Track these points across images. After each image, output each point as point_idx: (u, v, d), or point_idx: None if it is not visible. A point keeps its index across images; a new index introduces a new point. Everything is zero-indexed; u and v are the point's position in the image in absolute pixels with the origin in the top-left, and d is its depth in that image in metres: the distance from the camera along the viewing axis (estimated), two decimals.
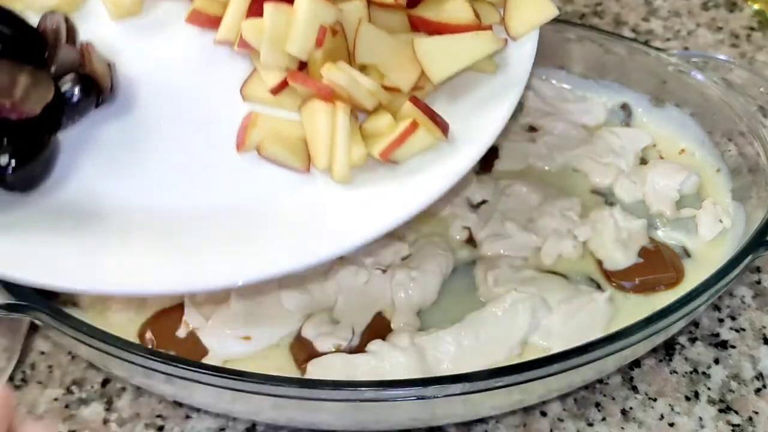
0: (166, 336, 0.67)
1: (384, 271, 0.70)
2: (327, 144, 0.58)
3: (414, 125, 0.59)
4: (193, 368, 0.58)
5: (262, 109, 0.62)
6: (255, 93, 0.62)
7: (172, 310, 0.69)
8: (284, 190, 0.60)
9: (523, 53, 0.65)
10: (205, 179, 0.61)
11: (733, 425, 0.67)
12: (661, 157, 0.82)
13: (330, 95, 0.58)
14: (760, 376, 0.70)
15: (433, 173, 0.59)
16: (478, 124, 0.61)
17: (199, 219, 0.59)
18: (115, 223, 0.58)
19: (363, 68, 0.60)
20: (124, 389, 0.69)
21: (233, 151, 0.61)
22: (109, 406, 0.68)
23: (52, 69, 0.59)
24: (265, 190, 0.60)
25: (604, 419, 0.68)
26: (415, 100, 0.60)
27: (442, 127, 0.60)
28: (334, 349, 0.66)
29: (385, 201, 0.58)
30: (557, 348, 0.66)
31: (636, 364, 0.71)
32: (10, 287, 0.62)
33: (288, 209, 0.59)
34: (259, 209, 0.59)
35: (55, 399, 0.69)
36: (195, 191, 0.60)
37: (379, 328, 0.67)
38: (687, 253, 0.74)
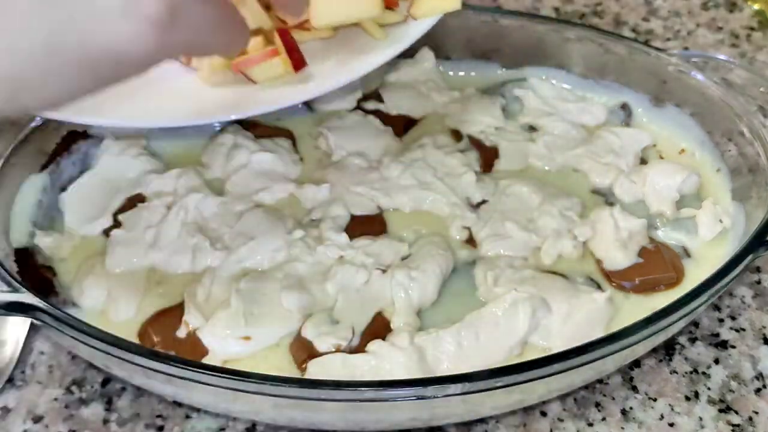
0: (166, 336, 0.67)
1: (384, 271, 0.70)
2: None
3: (273, 52, 0.68)
4: (193, 368, 0.58)
5: None
6: None
7: (172, 310, 0.69)
8: (173, 75, 0.69)
9: (415, 29, 0.71)
10: None
11: (733, 425, 0.67)
12: (661, 157, 0.83)
13: None
14: (760, 376, 0.70)
15: (273, 94, 0.67)
16: (335, 71, 0.68)
17: None
18: None
19: None
20: (124, 389, 0.69)
21: None
22: (109, 406, 0.68)
23: None
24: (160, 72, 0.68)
25: (604, 419, 0.68)
26: (283, 32, 0.68)
27: (297, 62, 0.68)
28: (334, 349, 0.66)
29: (232, 100, 0.68)
30: (557, 348, 0.66)
31: (636, 364, 0.71)
32: (11, 287, 0.62)
33: (173, 87, 0.69)
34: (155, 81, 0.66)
35: (55, 399, 0.69)
36: None
37: (379, 328, 0.67)
38: (687, 253, 0.74)
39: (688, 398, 0.69)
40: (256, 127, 0.84)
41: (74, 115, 0.65)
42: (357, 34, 0.71)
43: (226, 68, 0.69)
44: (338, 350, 0.65)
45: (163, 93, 0.67)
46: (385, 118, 0.85)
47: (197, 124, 0.71)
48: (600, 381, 0.69)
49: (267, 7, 0.69)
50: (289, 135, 0.84)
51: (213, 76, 0.69)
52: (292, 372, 0.65)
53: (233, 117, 0.70)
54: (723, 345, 0.72)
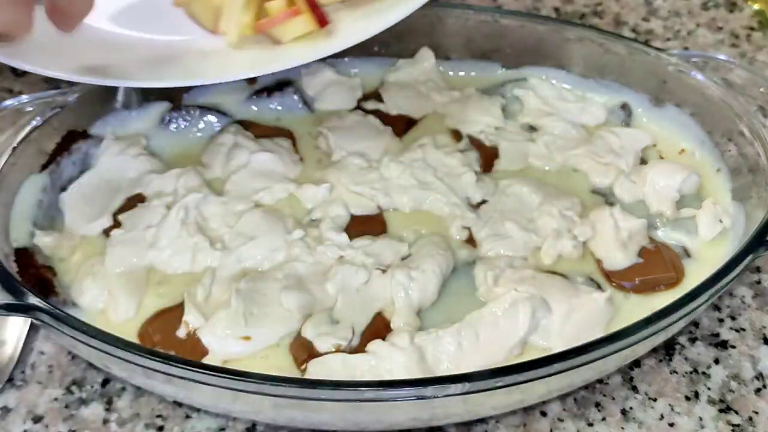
0: (166, 336, 0.67)
1: (384, 271, 0.70)
2: (228, 12, 0.74)
3: (295, 12, 0.71)
4: (193, 368, 0.58)
5: None
6: None
7: (172, 310, 0.69)
8: (197, 41, 0.76)
9: None
10: (152, 19, 0.78)
11: (733, 425, 0.67)
12: (661, 157, 0.83)
13: None
14: (760, 376, 0.70)
15: (299, 51, 0.72)
16: (358, 28, 0.72)
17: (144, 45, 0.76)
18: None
19: None
20: (124, 389, 0.69)
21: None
22: (109, 406, 0.68)
23: None
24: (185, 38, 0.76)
25: (604, 419, 0.68)
26: None
27: (320, 18, 0.71)
28: (334, 349, 0.66)
29: (259, 59, 0.72)
30: (557, 348, 0.66)
31: (636, 364, 0.71)
32: (11, 287, 0.62)
33: (195, 50, 0.75)
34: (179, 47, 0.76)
35: (55, 399, 0.69)
36: (146, 26, 0.77)
37: (379, 328, 0.67)
38: (687, 253, 0.74)
39: (688, 398, 0.69)
40: (256, 127, 0.84)
41: (115, 79, 0.72)
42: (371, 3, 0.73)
43: (253, 32, 0.73)
44: (338, 350, 0.65)
45: (193, 56, 0.73)
46: (385, 118, 0.85)
47: (228, 80, 0.73)
48: (600, 381, 0.69)
49: None
50: (289, 135, 0.84)
51: (240, 41, 0.73)
52: (292, 372, 0.65)
53: (264, 72, 0.72)
54: (723, 345, 0.72)
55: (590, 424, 0.67)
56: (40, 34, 0.66)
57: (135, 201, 0.77)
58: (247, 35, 0.73)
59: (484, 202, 0.78)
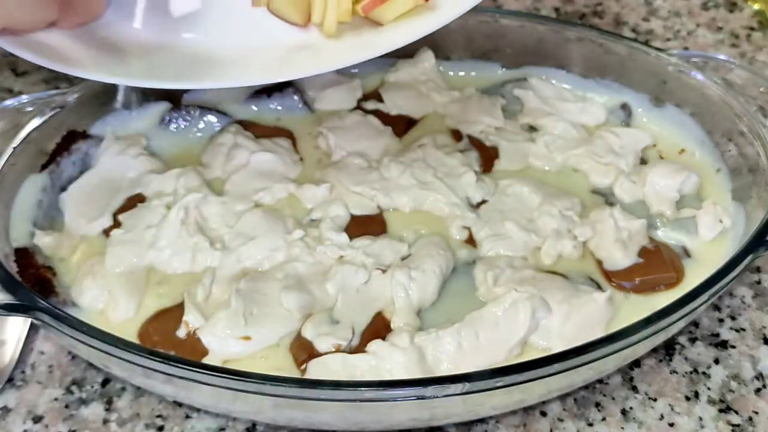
0: (166, 336, 0.67)
1: (384, 271, 0.70)
2: (322, 1, 0.68)
3: None
4: (193, 368, 0.58)
5: None
6: None
7: (172, 310, 0.69)
8: (284, 36, 0.69)
9: None
10: (227, 23, 0.71)
11: (733, 425, 0.67)
12: (661, 157, 0.83)
13: None
14: (760, 376, 0.70)
15: (408, 27, 0.67)
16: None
17: (220, 49, 0.70)
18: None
19: None
20: (124, 389, 0.69)
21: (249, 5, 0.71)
22: (109, 406, 0.68)
23: None
24: (270, 35, 0.70)
25: (604, 419, 0.68)
26: None
27: None
28: (334, 349, 0.66)
29: (361, 43, 0.67)
30: (557, 348, 0.66)
31: (636, 364, 0.71)
32: (11, 287, 0.62)
33: (284, 46, 0.69)
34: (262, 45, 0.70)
35: (55, 399, 0.69)
36: (219, 31, 0.71)
37: (379, 328, 0.67)
38: (687, 253, 0.74)
39: (688, 398, 0.69)
40: (256, 127, 0.84)
41: (210, 81, 0.68)
42: None
43: (350, 18, 0.68)
44: (338, 350, 0.65)
45: (282, 52, 0.68)
46: (385, 118, 0.85)
47: (342, 66, 0.68)
48: (600, 381, 0.69)
49: None
50: (289, 135, 0.84)
51: (337, 29, 0.68)
52: (292, 372, 0.65)
53: (373, 56, 0.66)
54: (723, 345, 0.72)
55: (590, 424, 0.67)
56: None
57: (135, 201, 0.77)
58: (343, 23, 0.68)
59: (484, 202, 0.78)
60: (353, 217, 0.76)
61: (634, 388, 0.70)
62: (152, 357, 0.58)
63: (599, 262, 0.73)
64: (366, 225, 0.75)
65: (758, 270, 0.78)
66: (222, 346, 0.66)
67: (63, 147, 0.78)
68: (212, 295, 0.69)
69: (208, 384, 0.58)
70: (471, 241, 0.75)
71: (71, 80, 0.80)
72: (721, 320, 0.74)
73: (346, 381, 0.62)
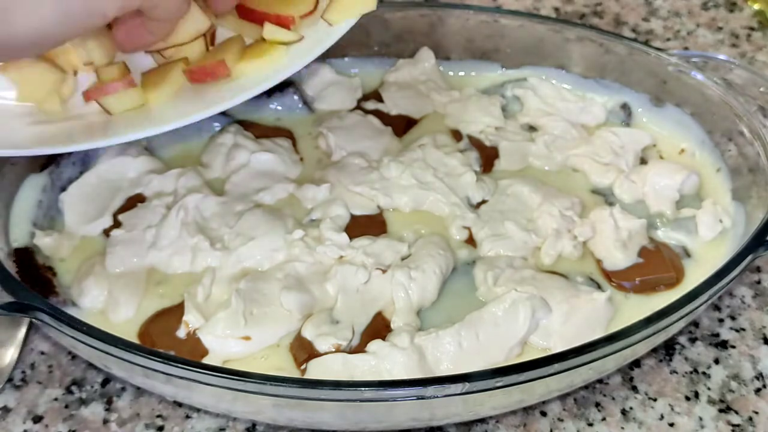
0: (166, 336, 0.67)
1: (384, 271, 0.70)
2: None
3: (130, 82, 0.68)
4: (193, 368, 0.58)
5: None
6: None
7: (172, 310, 0.69)
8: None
9: (330, 37, 0.70)
10: None
11: (733, 425, 0.67)
12: (661, 157, 0.83)
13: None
14: (760, 376, 0.70)
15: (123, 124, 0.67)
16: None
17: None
18: None
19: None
20: (124, 389, 0.69)
21: None
22: (109, 406, 0.68)
23: None
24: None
25: (604, 419, 0.68)
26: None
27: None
28: (334, 349, 0.66)
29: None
30: (557, 348, 0.66)
31: (636, 364, 0.71)
32: (11, 287, 0.62)
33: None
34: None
35: (55, 399, 0.69)
36: None
37: (379, 328, 0.67)
38: (687, 253, 0.74)
39: (688, 398, 0.69)
40: (256, 127, 0.84)
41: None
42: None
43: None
44: (338, 350, 0.65)
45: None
46: (385, 118, 0.85)
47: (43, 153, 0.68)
48: (600, 381, 0.69)
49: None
50: (289, 135, 0.84)
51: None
52: (292, 372, 0.65)
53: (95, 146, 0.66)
54: (723, 345, 0.72)
55: (590, 424, 0.67)
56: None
57: (135, 201, 0.77)
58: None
59: (484, 202, 0.78)
60: (353, 217, 0.76)
61: (634, 388, 0.70)
62: (152, 357, 0.58)
63: (599, 262, 0.73)
64: (366, 225, 0.75)
65: (758, 270, 0.78)
66: (222, 346, 0.66)
67: None
68: (212, 295, 0.69)
69: (208, 384, 0.58)
70: (471, 241, 0.75)
71: None
72: (721, 320, 0.74)
73: (346, 381, 0.62)
